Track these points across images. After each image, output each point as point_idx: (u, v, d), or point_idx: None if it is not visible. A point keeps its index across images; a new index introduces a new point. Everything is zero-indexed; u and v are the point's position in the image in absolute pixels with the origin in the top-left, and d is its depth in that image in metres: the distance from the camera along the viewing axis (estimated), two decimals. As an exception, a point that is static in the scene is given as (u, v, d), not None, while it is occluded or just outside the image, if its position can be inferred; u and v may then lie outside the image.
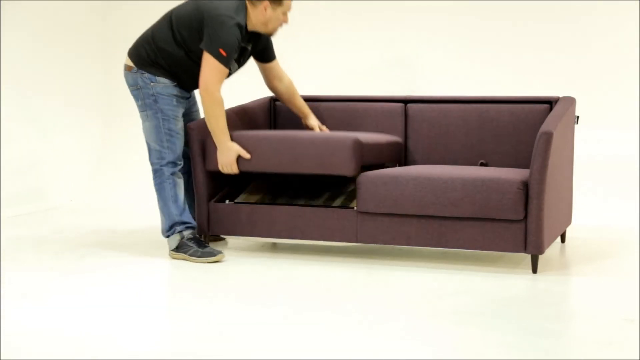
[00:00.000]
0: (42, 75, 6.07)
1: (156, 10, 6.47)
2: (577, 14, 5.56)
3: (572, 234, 4.85)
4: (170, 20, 4.33)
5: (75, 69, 6.37)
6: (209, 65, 4.19)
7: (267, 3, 4.26)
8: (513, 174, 4.01)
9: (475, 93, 5.24)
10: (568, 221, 4.58)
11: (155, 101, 4.32)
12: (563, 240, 4.69)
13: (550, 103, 4.50)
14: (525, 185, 3.92)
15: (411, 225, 4.11)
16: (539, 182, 3.88)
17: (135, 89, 4.37)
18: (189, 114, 4.55)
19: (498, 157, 4.56)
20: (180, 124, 4.39)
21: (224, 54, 4.17)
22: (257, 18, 4.28)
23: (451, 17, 5.78)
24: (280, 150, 4.27)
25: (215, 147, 4.34)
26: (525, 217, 3.93)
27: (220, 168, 4.34)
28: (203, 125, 4.41)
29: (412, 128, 4.73)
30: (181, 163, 4.42)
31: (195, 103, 4.62)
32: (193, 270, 4.08)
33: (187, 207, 4.40)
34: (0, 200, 5.61)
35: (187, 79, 4.38)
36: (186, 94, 4.44)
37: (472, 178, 3.99)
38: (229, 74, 4.33)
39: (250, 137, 4.34)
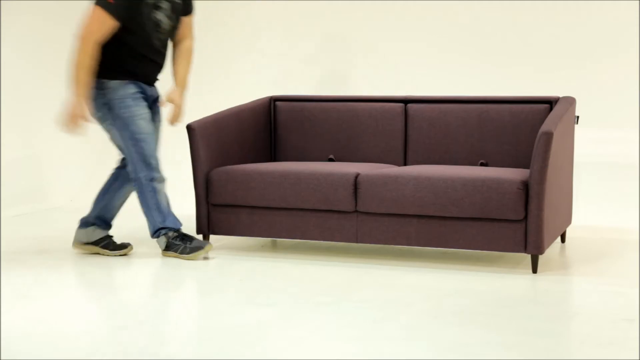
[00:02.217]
0: (42, 75, 6.06)
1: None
2: (577, 13, 5.55)
3: (572, 234, 4.85)
4: None
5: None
6: (93, 12, 4.02)
7: None
8: (513, 174, 4.01)
9: (475, 93, 5.24)
10: (568, 221, 4.58)
11: (110, 109, 4.16)
12: (563, 240, 4.69)
13: (550, 103, 4.50)
14: (525, 185, 3.92)
15: (411, 225, 4.11)
16: (539, 182, 3.88)
17: (93, 109, 4.17)
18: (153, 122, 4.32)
19: (498, 157, 4.56)
20: (143, 124, 4.18)
21: (111, 0, 4.00)
22: None
23: (451, 17, 5.78)
24: (283, 185, 4.28)
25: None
26: (525, 217, 3.93)
27: (61, 120, 4.09)
28: (204, 125, 4.41)
29: (412, 128, 4.73)
30: (156, 162, 4.21)
31: (158, 112, 4.36)
32: (192, 269, 4.08)
33: (170, 210, 4.28)
34: (0, 200, 5.61)
35: (132, 65, 4.16)
36: (140, 88, 4.21)
37: (472, 178, 3.99)
38: (144, 30, 4.12)
39: (252, 172, 4.34)
